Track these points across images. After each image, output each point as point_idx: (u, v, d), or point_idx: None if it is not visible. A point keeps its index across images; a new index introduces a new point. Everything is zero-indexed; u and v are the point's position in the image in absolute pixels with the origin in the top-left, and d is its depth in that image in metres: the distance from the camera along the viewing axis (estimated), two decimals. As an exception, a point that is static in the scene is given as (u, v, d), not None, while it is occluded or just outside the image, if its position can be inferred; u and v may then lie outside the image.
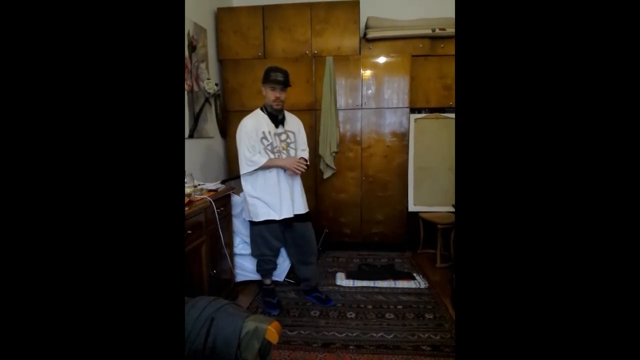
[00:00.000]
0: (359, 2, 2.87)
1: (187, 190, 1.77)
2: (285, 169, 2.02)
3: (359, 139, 2.98)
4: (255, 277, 2.36)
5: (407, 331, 1.85)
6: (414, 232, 3.03)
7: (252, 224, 2.14)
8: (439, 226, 2.73)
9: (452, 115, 3.03)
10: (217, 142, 2.99)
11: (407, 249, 3.07)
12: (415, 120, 3.04)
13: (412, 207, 3.06)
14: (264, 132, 2.01)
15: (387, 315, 2.02)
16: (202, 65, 2.70)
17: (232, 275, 2.26)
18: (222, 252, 2.05)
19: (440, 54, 2.95)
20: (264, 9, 2.93)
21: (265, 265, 2.20)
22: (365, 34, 3.01)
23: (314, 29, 2.91)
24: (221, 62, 3.04)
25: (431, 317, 2.00)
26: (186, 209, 1.62)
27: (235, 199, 2.28)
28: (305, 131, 2.23)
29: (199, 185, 2.03)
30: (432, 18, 2.94)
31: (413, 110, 3.00)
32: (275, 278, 2.38)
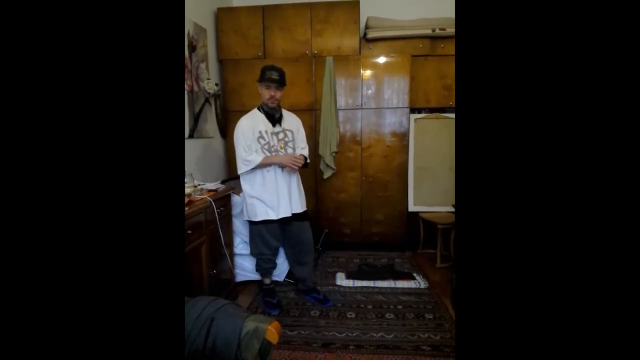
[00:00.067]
0: (359, 2, 2.87)
1: (187, 190, 1.77)
2: (282, 166, 2.02)
3: (359, 139, 2.98)
4: (255, 277, 2.36)
5: (407, 331, 1.85)
6: (414, 232, 3.03)
7: (251, 223, 2.14)
8: (439, 226, 2.73)
9: (452, 115, 3.03)
10: (217, 142, 2.99)
11: (407, 249, 3.07)
12: (415, 120, 3.04)
13: (412, 207, 3.06)
14: (260, 132, 2.01)
15: (387, 315, 2.02)
16: (202, 65, 2.70)
17: (232, 275, 2.26)
18: (222, 252, 2.05)
19: (440, 54, 2.95)
20: (264, 9, 2.93)
21: (264, 264, 2.21)
22: (365, 34, 3.01)
23: (314, 29, 2.91)
24: (221, 62, 3.04)
25: (431, 317, 2.00)
26: (186, 209, 1.62)
27: (235, 199, 2.28)
28: (305, 131, 2.23)
29: (199, 185, 2.03)
30: (432, 18, 2.94)
31: (413, 110, 3.00)
32: (275, 278, 2.38)
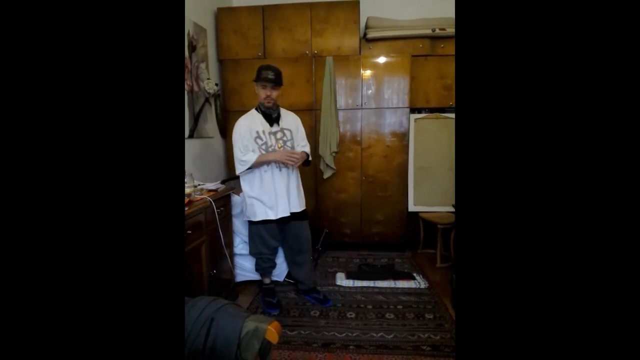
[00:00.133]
0: (359, 2, 2.87)
1: (187, 190, 1.77)
2: (279, 165, 2.02)
3: (359, 139, 2.98)
4: (255, 277, 2.36)
5: (407, 331, 1.85)
6: (414, 232, 3.03)
7: (250, 223, 2.15)
8: (439, 226, 2.73)
9: (452, 115, 3.03)
10: (217, 142, 2.99)
11: (407, 249, 3.07)
12: (415, 120, 3.04)
13: (412, 207, 3.06)
14: (258, 132, 2.01)
15: (387, 315, 2.02)
16: (202, 65, 2.70)
17: (232, 275, 2.26)
18: (222, 252, 2.05)
19: (440, 54, 2.95)
20: (264, 9, 2.93)
21: (264, 264, 2.21)
22: (365, 34, 3.01)
23: (314, 29, 2.91)
24: (221, 62, 3.04)
25: (431, 317, 2.00)
26: (186, 209, 1.62)
27: (235, 199, 2.28)
28: (305, 131, 2.23)
29: (199, 185, 2.03)
30: (432, 18, 2.94)
31: (413, 110, 3.00)
32: (275, 278, 2.38)
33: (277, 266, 2.34)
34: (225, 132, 3.03)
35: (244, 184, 2.10)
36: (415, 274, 2.54)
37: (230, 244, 2.23)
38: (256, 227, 2.11)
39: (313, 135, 2.89)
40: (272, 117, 2.06)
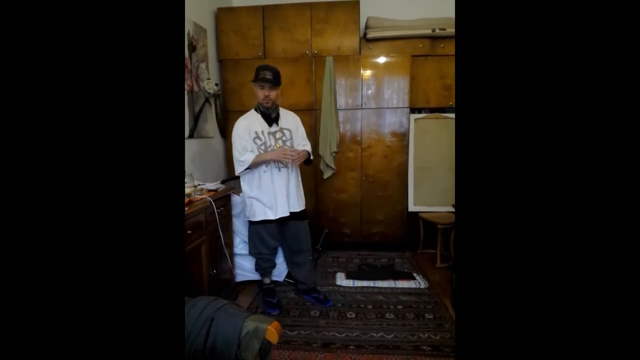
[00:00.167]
0: (359, 2, 2.87)
1: (187, 190, 1.77)
2: (279, 164, 2.02)
3: (359, 139, 2.98)
4: (255, 277, 2.36)
5: (407, 331, 1.85)
6: (414, 232, 3.03)
7: (250, 223, 2.16)
8: (439, 226, 2.73)
9: (452, 115, 3.03)
10: (217, 142, 2.99)
11: (407, 249, 3.07)
12: (415, 120, 3.04)
13: (412, 207, 3.06)
14: (256, 132, 2.01)
15: (387, 315, 2.02)
16: (202, 65, 2.70)
17: (232, 275, 2.26)
18: (222, 252, 2.05)
19: (440, 54, 2.95)
20: (264, 9, 2.93)
21: (263, 263, 2.21)
22: (365, 34, 3.01)
23: (314, 29, 2.91)
24: (221, 62, 3.04)
25: (431, 317, 2.00)
26: (186, 209, 1.62)
27: (235, 199, 2.28)
28: (305, 131, 2.22)
29: (199, 185, 2.03)
30: (432, 18, 2.94)
31: (413, 110, 3.00)
32: (275, 278, 2.38)
33: (277, 266, 2.35)
34: (225, 132, 3.03)
35: (243, 184, 2.10)
36: (415, 274, 2.54)
37: (230, 244, 2.23)
38: (255, 227, 2.12)
39: (313, 135, 2.89)
40: (271, 117, 2.06)
